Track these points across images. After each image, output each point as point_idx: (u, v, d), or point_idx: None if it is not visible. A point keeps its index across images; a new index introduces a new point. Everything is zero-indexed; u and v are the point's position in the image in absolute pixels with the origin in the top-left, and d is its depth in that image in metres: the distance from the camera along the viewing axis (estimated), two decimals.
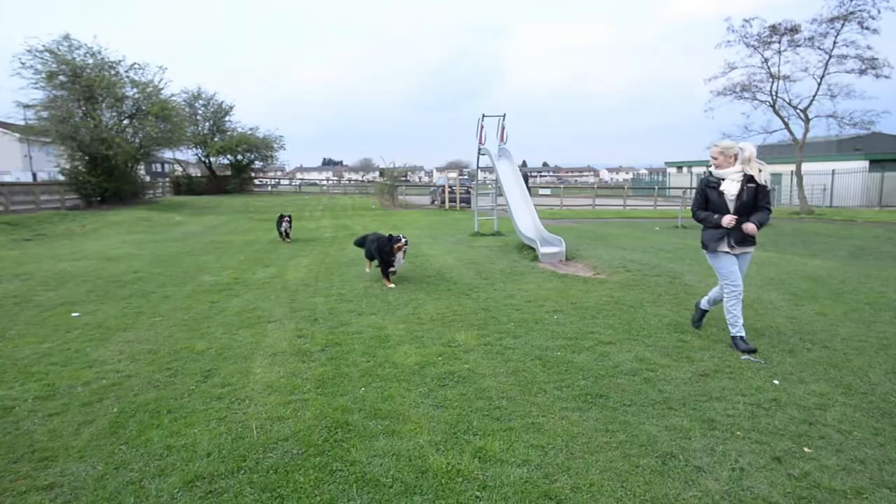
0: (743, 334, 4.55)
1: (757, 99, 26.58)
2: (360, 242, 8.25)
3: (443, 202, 26.85)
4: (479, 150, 13.09)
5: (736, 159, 4.49)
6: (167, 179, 43.14)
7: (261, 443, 3.04)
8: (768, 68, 26.01)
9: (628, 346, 4.67)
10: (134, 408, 3.53)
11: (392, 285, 7.22)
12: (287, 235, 12.61)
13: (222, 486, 2.64)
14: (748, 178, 4.45)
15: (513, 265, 9.00)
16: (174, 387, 3.87)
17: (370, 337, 4.97)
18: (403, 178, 31.29)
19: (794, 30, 24.84)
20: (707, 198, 4.62)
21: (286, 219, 12.58)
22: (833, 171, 33.64)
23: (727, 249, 4.56)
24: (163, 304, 6.38)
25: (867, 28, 23.38)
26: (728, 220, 4.44)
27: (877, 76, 23.84)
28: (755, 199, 4.46)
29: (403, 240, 7.26)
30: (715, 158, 4.57)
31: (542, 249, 9.47)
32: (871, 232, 15.65)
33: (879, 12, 23.02)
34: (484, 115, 12.92)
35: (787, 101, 25.90)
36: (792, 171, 27.87)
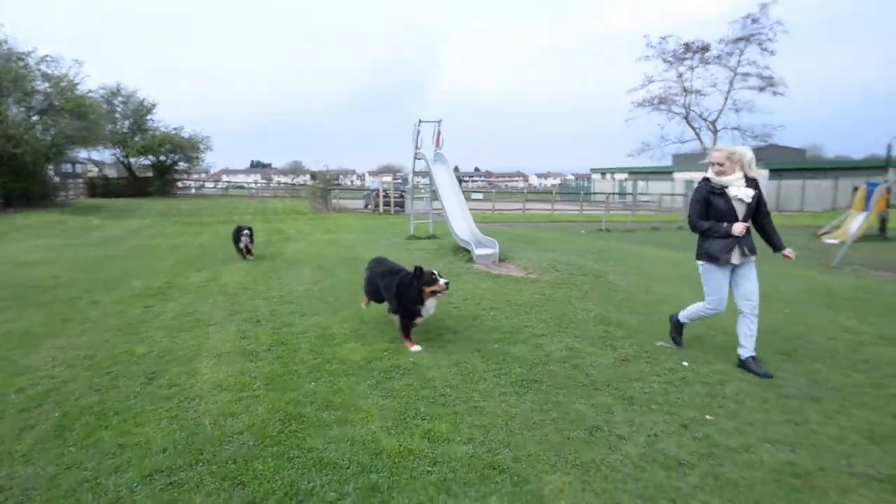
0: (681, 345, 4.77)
1: (672, 111, 28.71)
2: (374, 277, 5.39)
3: (377, 206, 26.94)
4: (416, 154, 13.37)
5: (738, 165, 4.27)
6: (80, 180, 40.40)
7: (216, 437, 3.14)
8: (682, 83, 28.19)
9: (559, 337, 5.09)
10: (77, 411, 3.50)
11: (417, 347, 4.69)
12: (248, 252, 10.00)
13: (182, 477, 2.74)
14: (750, 184, 4.31)
15: (449, 266, 9.32)
16: (118, 389, 3.85)
17: (315, 336, 5.10)
18: (336, 182, 31.07)
19: (705, 48, 27.10)
20: (710, 206, 4.32)
21: (245, 231, 9.83)
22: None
23: (738, 260, 4.30)
24: (91, 310, 6.17)
25: (766, 49, 25.96)
26: (740, 228, 4.19)
27: (774, 93, 26.47)
28: (758, 206, 4.34)
29: (442, 281, 4.65)
30: (721, 164, 4.24)
31: (477, 251, 9.86)
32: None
33: (776, 34, 25.61)
34: (420, 121, 13.21)
35: (699, 113, 28.19)
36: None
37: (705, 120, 28.17)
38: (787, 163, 38.48)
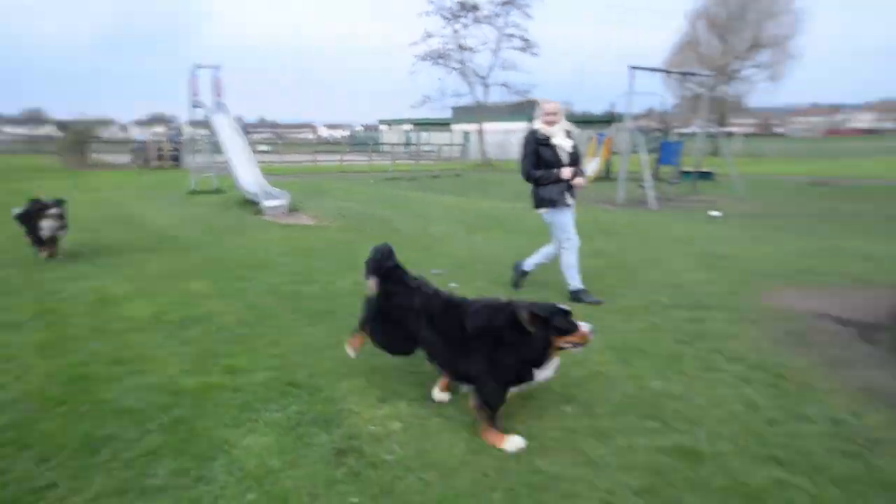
0: (583, 287, 4.81)
1: (450, 66, 30.57)
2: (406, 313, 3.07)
3: (146, 161, 23.93)
4: (193, 103, 12.30)
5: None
6: None
7: None
8: (458, 39, 30.11)
9: (348, 275, 5.57)
10: None
11: (517, 441, 2.56)
12: (52, 243, 6.15)
13: None
14: (567, 134, 4.74)
15: (238, 219, 9.12)
16: None
17: (91, 300, 4.77)
18: (93, 135, 26.53)
19: (476, 7, 29.22)
20: (538, 156, 4.65)
21: (52, 210, 6.04)
22: (506, 130, 40.83)
23: (571, 202, 4.74)
24: None
25: (527, 14, 29.10)
26: (568, 172, 4.61)
27: (532, 54, 29.98)
28: (575, 154, 4.77)
29: (586, 327, 2.59)
30: (553, 114, 4.62)
31: (266, 203, 9.77)
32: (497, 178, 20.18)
33: (533, 2, 28.86)
34: (198, 66, 12.13)
35: (472, 69, 30.56)
36: (477, 130, 33.10)
37: (478, 76, 30.71)
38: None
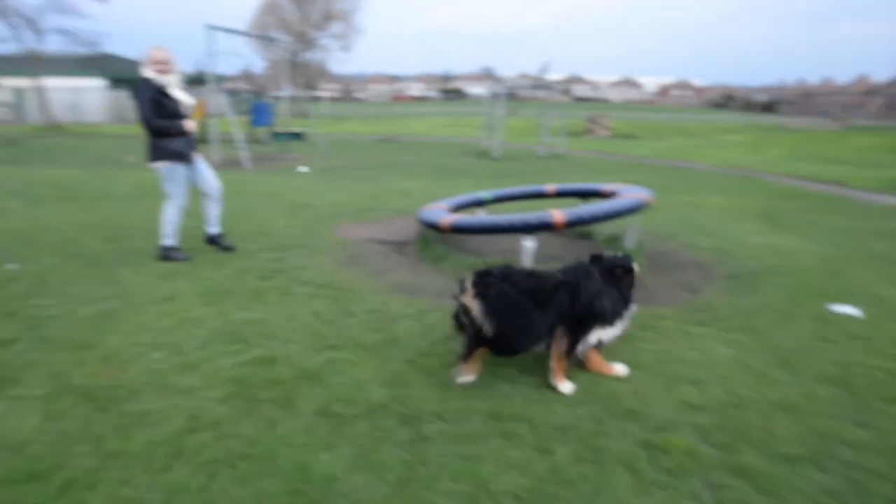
0: (175, 244, 4.84)
1: None
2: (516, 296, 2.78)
3: None
4: None
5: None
6: None
7: None
8: None
9: None
10: None
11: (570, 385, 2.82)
12: None
13: None
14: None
15: None
16: None
17: None
18: None
19: None
20: (161, 105, 4.46)
21: None
22: (77, 88, 34.03)
23: (194, 156, 4.76)
24: None
25: None
26: (192, 124, 4.63)
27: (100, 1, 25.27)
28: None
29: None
30: (165, 63, 4.47)
31: None
32: (105, 143, 17.67)
33: None
34: None
35: (14, 8, 23.81)
36: (36, 87, 26.45)
37: (23, 17, 24.15)
38: (124, 73, 38.20)
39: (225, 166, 12.02)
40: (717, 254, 5.36)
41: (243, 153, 12.36)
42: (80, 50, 27.00)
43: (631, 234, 5.11)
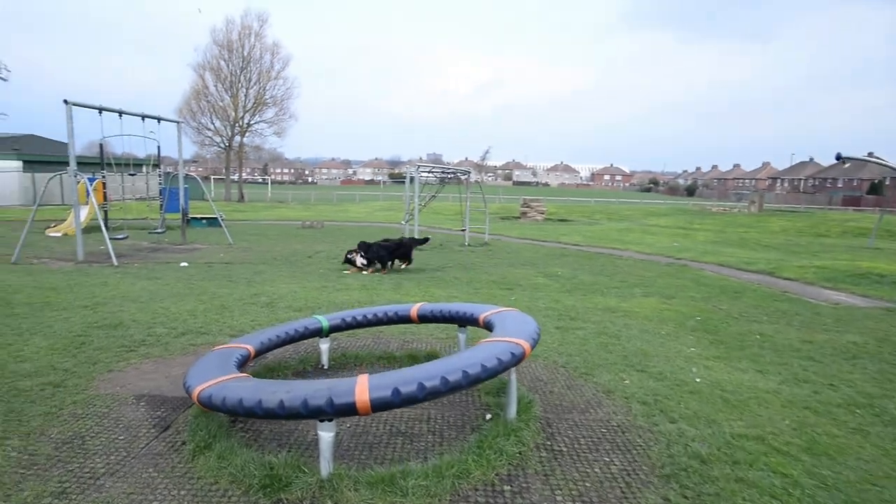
0: None
1: None
2: None
3: None
4: None
5: None
6: None
7: None
8: None
9: None
10: None
11: None
12: None
13: None
14: None
15: None
16: None
17: None
18: None
19: None
20: None
21: None
22: None
23: None
24: None
25: None
26: None
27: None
28: None
29: None
30: None
31: None
32: None
33: None
34: None
35: None
36: None
37: None
38: (44, 154, 36.04)
39: (86, 262, 10.03)
40: (650, 412, 3.74)
41: (109, 246, 10.37)
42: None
43: (511, 394, 3.43)
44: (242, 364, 3.61)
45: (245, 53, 36.06)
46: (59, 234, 15.44)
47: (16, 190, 32.31)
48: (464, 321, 4.16)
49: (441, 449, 3.19)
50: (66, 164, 10.41)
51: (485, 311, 3.98)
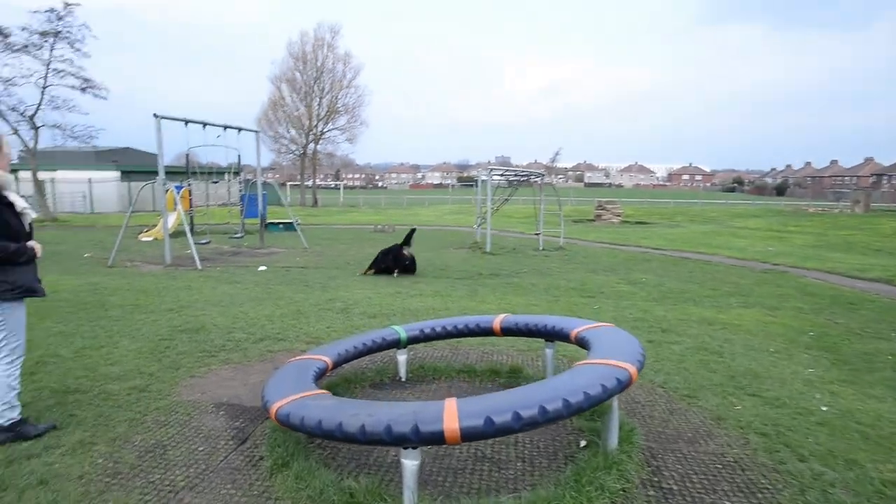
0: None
1: None
2: None
3: None
4: None
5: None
6: None
7: None
8: None
9: None
10: None
11: None
12: None
13: None
14: None
15: None
16: None
17: None
18: None
19: (2, 32, 23.18)
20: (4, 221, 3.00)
21: None
22: (90, 179, 34.45)
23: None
24: None
25: (78, 49, 24.67)
26: (39, 247, 3.22)
27: (95, 95, 25.62)
28: None
29: None
30: (8, 156, 3.15)
31: None
32: (85, 236, 16.52)
33: (84, 37, 24.68)
34: None
35: (11, 106, 24.08)
36: (48, 179, 26.34)
37: (21, 114, 24.38)
38: (139, 165, 38.88)
39: (173, 265, 10.51)
40: (771, 447, 3.25)
41: (194, 251, 10.81)
42: (73, 143, 26.80)
43: (613, 422, 3.05)
44: (320, 376, 3.46)
45: (318, 64, 37.27)
46: (150, 239, 16.38)
47: (114, 198, 35.00)
48: (553, 336, 3.82)
49: (532, 479, 2.88)
50: (158, 173, 10.96)
51: (577, 327, 3.62)
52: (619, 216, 24.86)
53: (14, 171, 32.34)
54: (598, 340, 3.26)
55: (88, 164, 37.10)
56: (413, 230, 10.66)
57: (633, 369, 2.79)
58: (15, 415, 3.19)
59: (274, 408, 2.80)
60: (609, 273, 10.11)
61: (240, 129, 13.52)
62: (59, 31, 23.91)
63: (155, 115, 10.79)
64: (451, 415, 2.36)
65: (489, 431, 2.29)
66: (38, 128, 24.78)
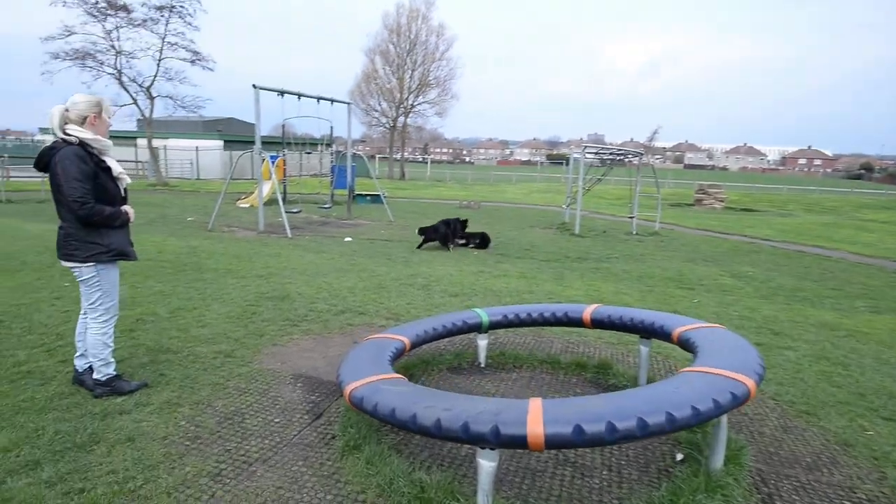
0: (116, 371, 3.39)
1: (103, 70, 25.61)
2: None
3: None
4: None
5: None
6: None
7: None
8: (111, 41, 25.45)
9: None
10: None
11: None
12: None
13: None
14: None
15: None
16: None
17: None
18: None
19: (126, 8, 25.08)
20: (97, 182, 3.02)
21: None
22: (197, 147, 37.02)
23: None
24: None
25: (189, 23, 26.25)
26: (132, 211, 3.24)
27: (203, 67, 27.25)
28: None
29: None
30: (94, 118, 3.03)
31: None
32: (191, 201, 17.74)
33: (195, 11, 26.18)
34: None
35: (132, 77, 26.20)
36: (160, 147, 28.67)
37: (140, 85, 26.48)
38: (240, 135, 41.29)
39: (265, 232, 10.97)
40: None
41: (285, 219, 11.21)
42: (182, 113, 28.67)
43: (720, 440, 2.65)
44: (398, 356, 3.33)
45: (412, 36, 37.33)
46: (246, 206, 17.25)
47: (217, 166, 37.38)
48: (651, 334, 3.44)
49: (620, 492, 2.58)
50: (262, 143, 11.40)
51: (680, 325, 3.22)
52: (722, 201, 23.04)
53: (133, 137, 35.61)
54: (708, 344, 2.86)
55: (196, 133, 39.89)
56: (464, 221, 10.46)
57: (750, 383, 2.39)
58: (111, 370, 3.33)
59: (348, 389, 2.68)
60: (710, 263, 9.30)
61: (332, 101, 13.74)
62: (174, 6, 25.51)
63: (254, 86, 11.17)
64: (535, 418, 2.12)
65: (577, 441, 2.03)
66: (154, 98, 26.75)
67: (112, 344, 3.34)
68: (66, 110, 2.99)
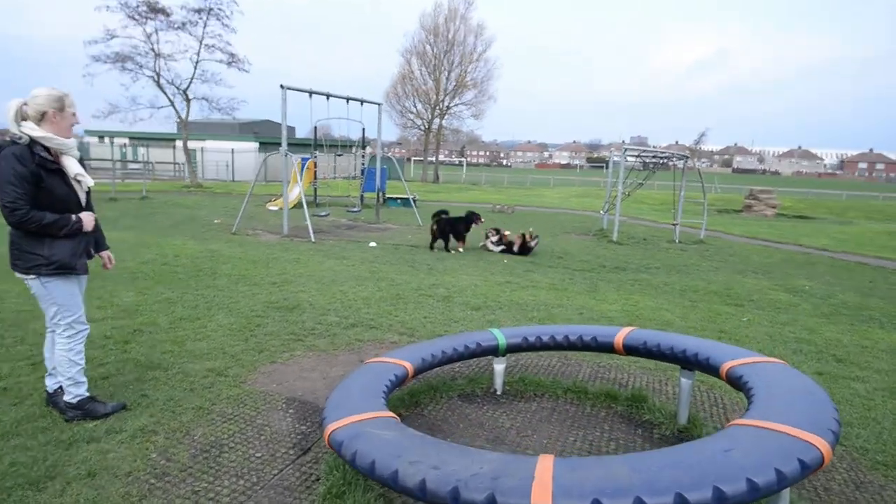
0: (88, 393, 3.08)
1: (142, 73, 26.27)
2: None
3: None
4: None
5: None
6: None
7: None
8: (151, 44, 26.10)
9: None
10: None
11: None
12: None
13: None
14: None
15: None
16: None
17: None
18: None
19: (165, 11, 25.67)
20: (43, 188, 2.71)
21: None
22: (233, 150, 37.74)
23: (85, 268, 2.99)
24: None
25: (226, 25, 26.67)
26: (91, 219, 2.92)
27: (239, 69, 27.63)
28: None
29: None
30: (54, 114, 2.72)
31: None
32: (223, 202, 17.88)
33: (232, 13, 26.60)
34: None
35: (169, 80, 26.77)
36: (195, 148, 29.28)
37: (177, 87, 27.02)
38: (278, 137, 41.88)
39: (289, 236, 10.77)
40: None
41: (308, 223, 10.94)
42: (217, 115, 29.14)
43: None
44: (398, 384, 2.93)
45: (450, 37, 37.00)
46: (276, 208, 17.21)
47: (252, 167, 37.96)
48: (694, 366, 2.92)
49: None
50: (294, 145, 11.23)
51: (730, 358, 2.69)
52: (774, 208, 21.80)
53: (172, 139, 36.55)
54: (765, 387, 2.33)
55: (233, 135, 40.63)
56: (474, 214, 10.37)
57: (824, 445, 1.87)
58: (81, 391, 3.03)
59: (329, 430, 2.29)
60: (761, 276, 8.55)
61: (362, 102, 13.50)
62: (212, 8, 25.96)
63: (281, 86, 11.01)
64: (542, 487, 1.67)
65: None
66: (190, 100, 27.26)
67: (82, 362, 3.04)
68: (25, 104, 2.70)
